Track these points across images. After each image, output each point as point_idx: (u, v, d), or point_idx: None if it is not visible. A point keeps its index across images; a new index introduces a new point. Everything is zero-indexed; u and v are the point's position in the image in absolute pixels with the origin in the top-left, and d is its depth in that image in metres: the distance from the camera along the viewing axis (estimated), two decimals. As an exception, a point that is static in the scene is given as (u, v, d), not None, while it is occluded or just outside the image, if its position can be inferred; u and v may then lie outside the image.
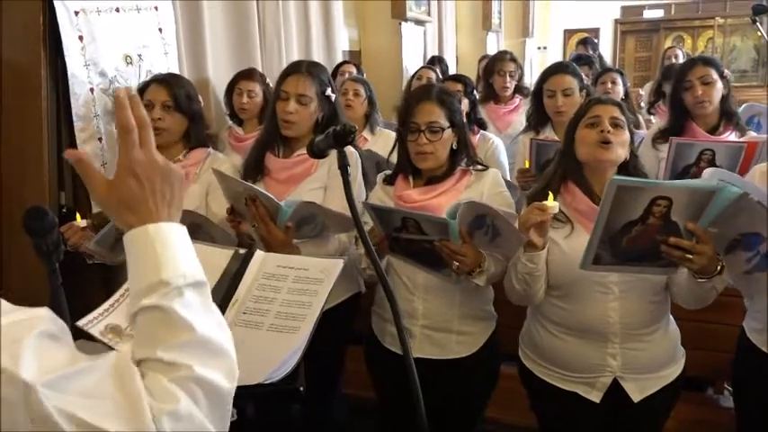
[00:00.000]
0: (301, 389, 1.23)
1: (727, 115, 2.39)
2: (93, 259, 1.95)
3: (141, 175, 0.73)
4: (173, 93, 1.96)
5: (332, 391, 2.17)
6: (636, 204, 1.33)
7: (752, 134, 2.42)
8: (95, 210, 2.15)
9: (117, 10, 2.15)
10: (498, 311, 1.88)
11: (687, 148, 2.24)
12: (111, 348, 1.18)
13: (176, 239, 0.74)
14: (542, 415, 1.80)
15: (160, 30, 2.34)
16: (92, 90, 2.08)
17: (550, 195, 1.50)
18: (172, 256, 0.72)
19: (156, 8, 2.31)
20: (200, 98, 2.11)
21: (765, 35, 4.16)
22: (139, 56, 2.25)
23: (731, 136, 2.37)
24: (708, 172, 1.42)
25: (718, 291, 1.47)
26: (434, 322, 1.76)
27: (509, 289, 1.65)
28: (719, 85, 2.36)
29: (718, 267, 1.40)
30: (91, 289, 2.03)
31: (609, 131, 1.56)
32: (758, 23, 3.52)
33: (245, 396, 1.30)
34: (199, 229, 1.78)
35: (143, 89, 2.01)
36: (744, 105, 2.89)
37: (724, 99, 2.38)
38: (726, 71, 2.43)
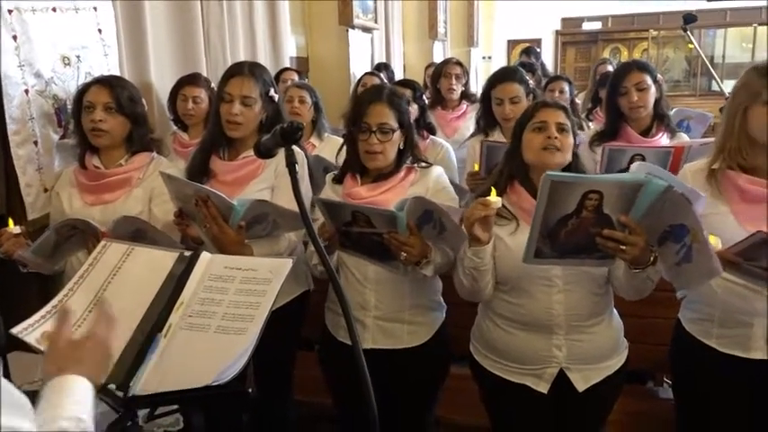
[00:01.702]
0: (250, 391, 1.21)
1: (659, 118, 2.51)
2: (28, 268, 1.87)
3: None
4: (115, 94, 1.90)
5: (284, 394, 2.14)
6: (570, 198, 1.38)
7: (683, 136, 2.54)
8: (31, 216, 2.06)
9: (54, 9, 2.07)
10: (447, 309, 1.91)
11: (619, 153, 2.33)
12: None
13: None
14: (493, 409, 1.83)
15: (99, 30, 2.26)
16: (26, 92, 1.99)
17: (493, 191, 1.54)
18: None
19: (95, 8, 2.23)
20: (144, 101, 2.06)
21: (696, 44, 4.40)
22: (78, 57, 2.17)
23: (663, 137, 2.48)
24: (635, 166, 1.48)
25: (654, 281, 1.53)
26: (386, 313, 1.79)
27: (458, 284, 1.68)
28: (653, 90, 2.47)
29: (652, 258, 1.46)
30: (27, 298, 1.94)
31: (555, 137, 1.61)
32: (689, 32, 3.71)
33: (193, 401, 1.27)
34: (143, 235, 1.74)
35: (84, 90, 1.94)
36: (674, 109, 3.04)
37: (657, 102, 2.49)
38: (659, 76, 2.55)
